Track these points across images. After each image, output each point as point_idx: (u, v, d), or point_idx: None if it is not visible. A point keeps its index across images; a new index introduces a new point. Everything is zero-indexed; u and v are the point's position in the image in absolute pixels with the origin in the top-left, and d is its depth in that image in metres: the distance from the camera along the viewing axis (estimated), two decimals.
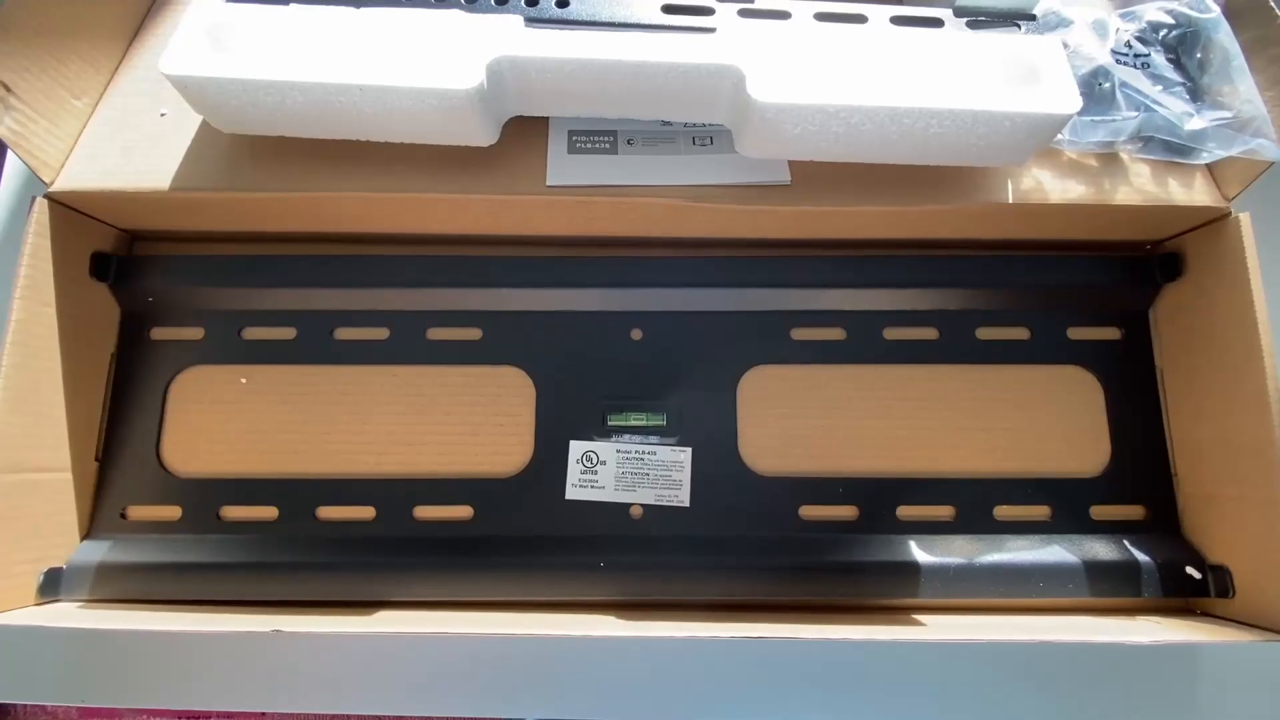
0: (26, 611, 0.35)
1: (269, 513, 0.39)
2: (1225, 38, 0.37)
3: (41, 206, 0.36)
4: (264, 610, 0.36)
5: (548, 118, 0.39)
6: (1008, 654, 0.39)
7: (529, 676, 0.39)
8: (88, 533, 0.38)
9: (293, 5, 0.34)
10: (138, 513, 0.39)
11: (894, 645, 0.39)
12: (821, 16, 0.35)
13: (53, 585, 0.36)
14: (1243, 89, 0.36)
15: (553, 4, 0.34)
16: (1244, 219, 0.36)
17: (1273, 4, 0.37)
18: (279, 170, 0.37)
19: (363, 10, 0.34)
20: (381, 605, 0.37)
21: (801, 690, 0.39)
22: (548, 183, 0.37)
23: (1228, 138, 0.36)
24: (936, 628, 0.35)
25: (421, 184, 0.37)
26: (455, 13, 0.34)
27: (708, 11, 0.34)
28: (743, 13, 0.35)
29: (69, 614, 0.35)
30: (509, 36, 0.33)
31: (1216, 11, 0.38)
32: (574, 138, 0.38)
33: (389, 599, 0.37)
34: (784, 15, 0.35)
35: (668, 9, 0.34)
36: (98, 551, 0.37)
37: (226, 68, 0.32)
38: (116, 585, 0.37)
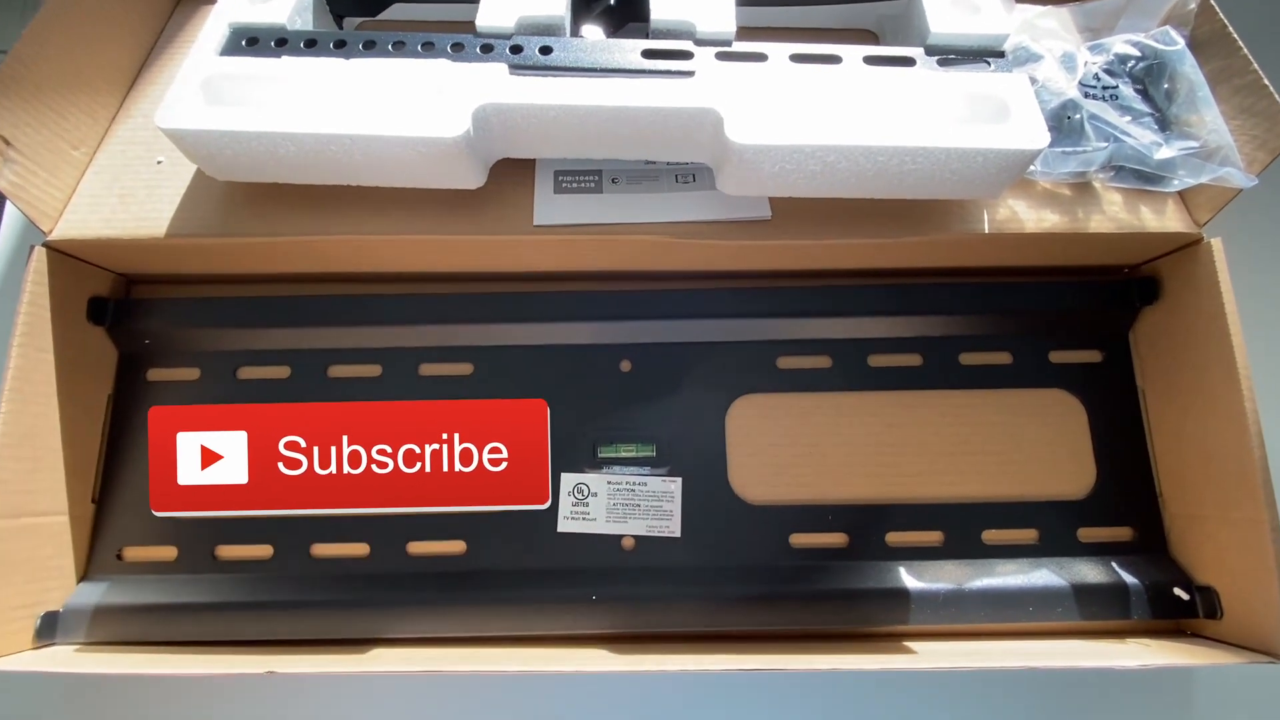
0: (23, 656, 0.35)
1: (264, 551, 0.39)
2: (1190, 69, 0.39)
3: (40, 255, 0.37)
4: (260, 650, 0.36)
5: (534, 159, 0.40)
6: (999, 681, 0.39)
7: (523, 715, 0.39)
8: (84, 574, 0.39)
9: (284, 58, 0.35)
10: (134, 554, 0.39)
11: (885, 675, 0.39)
12: (797, 58, 0.36)
13: (49, 629, 0.36)
14: (1209, 119, 0.37)
15: (536, 52, 0.35)
16: (1216, 244, 0.37)
17: (1235, 35, 0.38)
18: (273, 215, 0.38)
19: (352, 61, 0.35)
20: (376, 643, 0.37)
21: (788, 711, 0.39)
22: (535, 222, 0.38)
23: (1196, 166, 0.37)
24: (927, 655, 0.35)
25: (412, 226, 0.38)
26: (442, 62, 0.35)
27: (686, 56, 0.35)
28: (720, 56, 0.36)
29: (65, 658, 0.35)
30: (494, 84, 0.34)
31: (1181, 44, 0.39)
32: (560, 178, 0.39)
33: (383, 635, 0.37)
34: (760, 58, 0.36)
35: (648, 54, 0.35)
36: (94, 594, 0.38)
37: (220, 120, 0.33)
38: (113, 627, 0.37)
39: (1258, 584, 0.34)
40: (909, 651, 0.36)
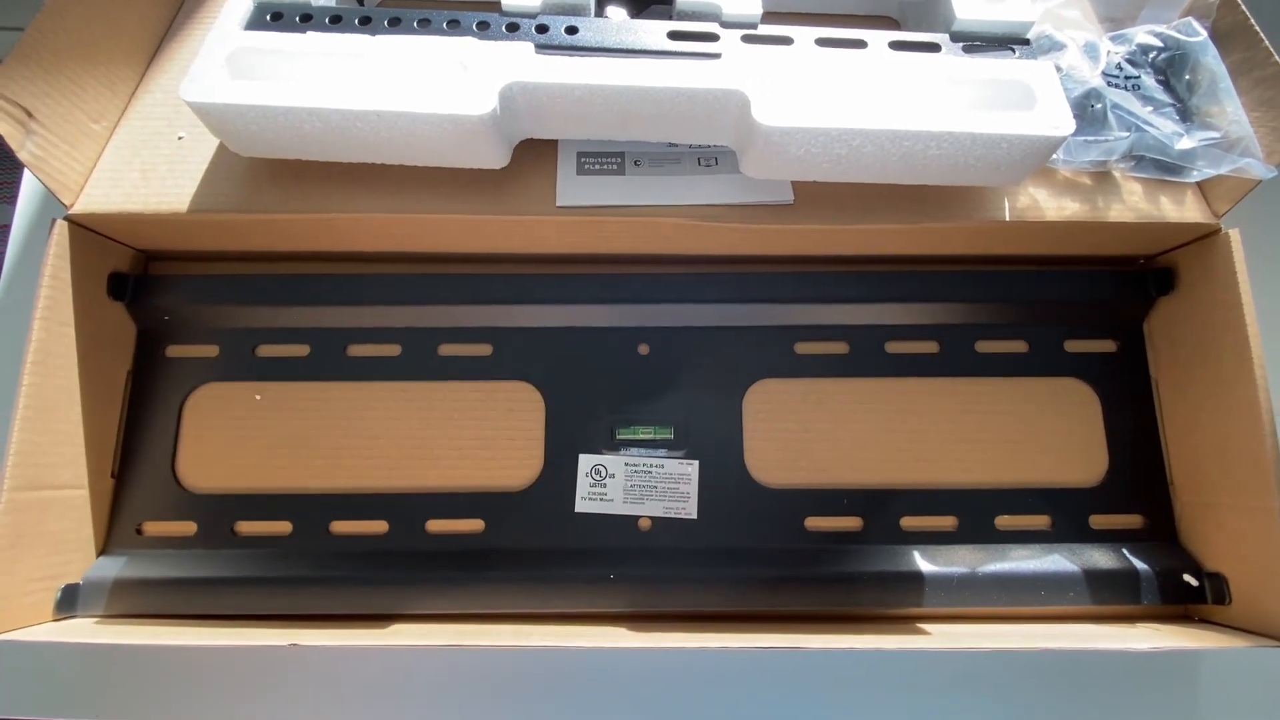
0: (44, 628, 0.35)
1: (283, 527, 0.40)
2: (1212, 60, 0.39)
3: (61, 229, 0.37)
4: (278, 625, 0.36)
5: (557, 140, 0.40)
6: (1010, 662, 0.40)
7: (542, 690, 0.40)
8: (103, 549, 0.39)
9: (310, 33, 0.35)
10: (153, 528, 0.39)
11: (899, 655, 0.40)
12: (823, 42, 0.36)
13: (69, 601, 0.36)
14: (1230, 110, 0.38)
15: (562, 31, 0.35)
16: (1234, 235, 0.37)
17: (1257, 27, 0.38)
18: (295, 192, 0.38)
19: (378, 38, 0.35)
20: (395, 619, 0.37)
21: (809, 700, 0.39)
22: (557, 203, 0.38)
23: (1217, 157, 0.37)
24: (940, 637, 0.36)
25: (434, 205, 0.38)
26: (468, 40, 0.35)
27: (713, 38, 0.35)
28: (746, 38, 0.36)
29: (85, 630, 0.36)
30: (520, 63, 0.34)
31: (1204, 35, 0.39)
32: (583, 159, 0.39)
33: (402, 612, 0.38)
34: (786, 41, 0.36)
35: (674, 35, 0.35)
36: (114, 567, 0.38)
37: (245, 94, 0.33)
38: (132, 601, 0.37)
39: (1268, 571, 0.35)
40: (922, 633, 0.36)
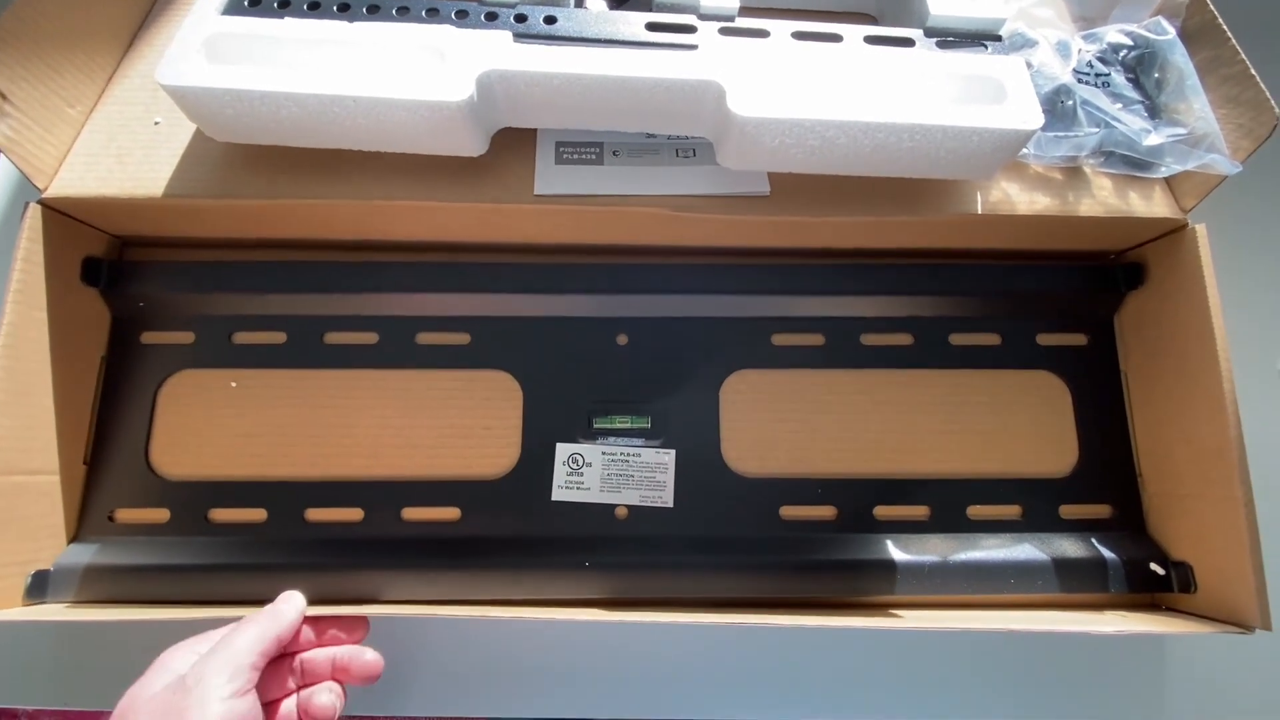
0: (13, 612, 0.35)
1: (258, 515, 0.39)
2: (1180, 58, 0.39)
3: (34, 212, 0.36)
4: (253, 609, 0.36)
5: (536, 129, 0.40)
6: (978, 643, 0.40)
7: (518, 674, 0.40)
8: (75, 535, 0.39)
9: (287, 19, 0.35)
10: (126, 515, 0.39)
11: (869, 634, 0.40)
12: (799, 35, 0.36)
13: (39, 588, 0.36)
14: (1197, 107, 0.38)
15: (541, 20, 0.36)
16: (1200, 230, 0.38)
17: (1224, 27, 0.39)
18: (272, 178, 0.38)
19: (356, 24, 0.35)
20: (369, 604, 0.37)
21: (778, 680, 0.40)
22: (535, 192, 0.38)
23: (1183, 153, 0.38)
24: (910, 619, 0.36)
25: (412, 192, 0.38)
26: (446, 28, 0.35)
27: (690, 29, 0.36)
28: (723, 31, 0.36)
29: (56, 614, 0.35)
30: (498, 51, 0.34)
31: (1172, 34, 0.40)
32: (561, 149, 0.39)
33: (377, 599, 0.38)
34: (763, 34, 0.36)
35: (651, 26, 0.36)
36: (85, 554, 0.38)
37: (222, 79, 0.33)
38: (103, 587, 0.37)
39: (1232, 558, 0.35)
40: (893, 615, 0.37)
